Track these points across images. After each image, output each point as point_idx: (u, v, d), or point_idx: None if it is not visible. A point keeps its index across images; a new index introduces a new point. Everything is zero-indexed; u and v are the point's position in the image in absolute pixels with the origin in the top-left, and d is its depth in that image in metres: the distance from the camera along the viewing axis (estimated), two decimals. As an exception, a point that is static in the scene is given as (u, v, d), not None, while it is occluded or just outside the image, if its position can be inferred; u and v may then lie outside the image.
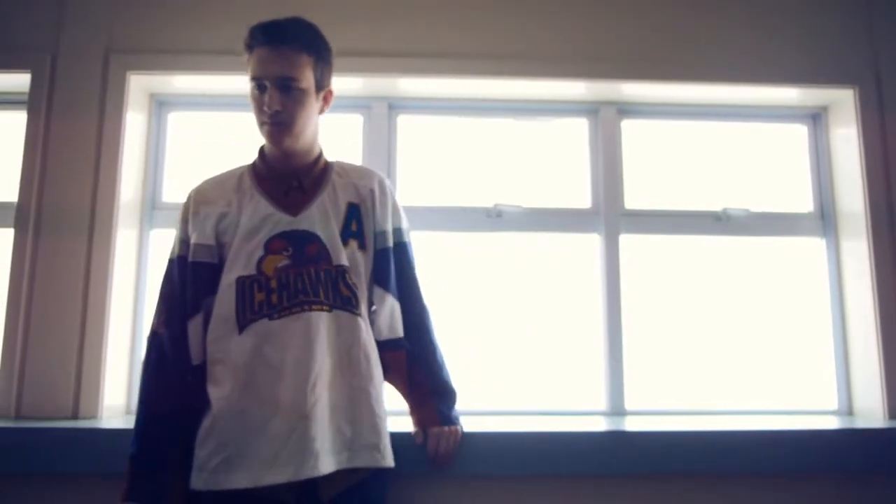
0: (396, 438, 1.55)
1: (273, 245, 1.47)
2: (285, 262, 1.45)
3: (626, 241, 2.23)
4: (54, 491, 1.76)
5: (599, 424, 1.92)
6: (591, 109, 2.30)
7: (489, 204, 2.21)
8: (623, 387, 2.13)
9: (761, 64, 2.19)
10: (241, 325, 1.41)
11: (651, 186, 2.29)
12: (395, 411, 1.74)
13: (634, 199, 2.27)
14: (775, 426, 1.83)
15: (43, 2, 2.12)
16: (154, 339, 1.48)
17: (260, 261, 1.45)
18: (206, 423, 1.39)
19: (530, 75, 2.15)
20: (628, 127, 2.32)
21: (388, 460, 1.45)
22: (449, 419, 1.59)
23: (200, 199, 1.53)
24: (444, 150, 2.28)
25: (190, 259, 1.48)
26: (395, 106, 2.27)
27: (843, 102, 2.25)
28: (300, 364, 1.38)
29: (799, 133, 2.37)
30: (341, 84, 2.16)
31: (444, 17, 2.17)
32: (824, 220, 2.29)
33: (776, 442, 1.74)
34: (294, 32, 1.46)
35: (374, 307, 1.55)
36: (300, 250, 1.47)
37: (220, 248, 1.48)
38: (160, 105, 2.26)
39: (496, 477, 1.73)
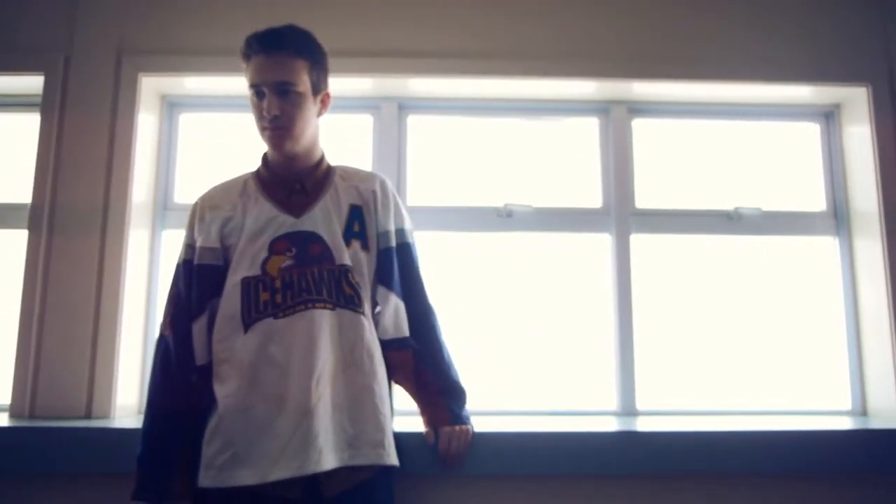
0: (405, 438, 1.56)
1: (277, 246, 1.49)
2: (289, 262, 1.48)
3: (637, 240, 2.22)
4: (68, 490, 1.77)
5: (610, 425, 1.91)
6: (601, 109, 2.30)
7: (499, 204, 2.21)
8: (634, 387, 2.12)
9: (773, 62, 2.18)
10: (247, 324, 1.43)
11: (662, 186, 2.28)
12: (404, 411, 1.75)
13: (645, 198, 2.26)
14: (788, 426, 1.82)
15: (55, 5, 2.14)
16: (160, 342, 1.52)
17: (264, 262, 1.48)
18: (213, 421, 1.41)
19: (540, 75, 2.15)
20: (639, 126, 2.31)
21: (392, 458, 1.45)
22: (460, 418, 1.59)
23: (206, 204, 1.57)
24: (454, 150, 2.28)
25: (195, 262, 1.52)
26: (405, 106, 2.27)
27: (856, 100, 2.23)
28: (304, 361, 1.40)
29: (811, 131, 2.35)
30: (351, 85, 2.17)
31: (454, 18, 2.17)
32: (837, 218, 2.27)
33: (789, 442, 1.73)
34: (288, 39, 1.49)
35: (378, 307, 1.55)
36: (304, 250, 1.49)
37: (224, 251, 1.51)
38: (171, 106, 2.27)
39: (507, 477, 1.73)
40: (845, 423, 1.93)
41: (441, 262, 2.19)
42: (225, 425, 1.39)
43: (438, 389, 1.57)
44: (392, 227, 1.60)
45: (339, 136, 2.25)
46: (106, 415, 1.94)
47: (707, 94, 2.24)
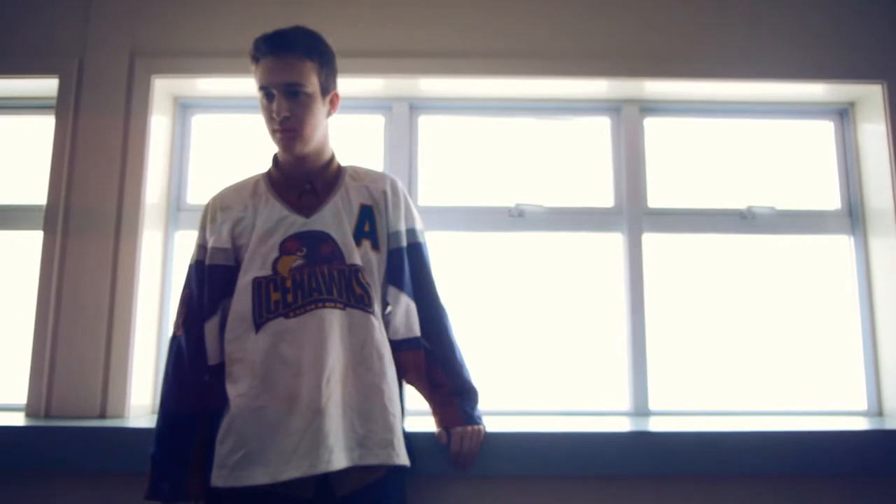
0: (417, 438, 1.56)
1: (287, 246, 1.50)
2: (300, 261, 1.48)
3: (650, 240, 2.21)
4: (83, 489, 1.79)
5: (623, 425, 1.90)
6: (613, 108, 2.29)
7: (511, 203, 2.21)
8: (647, 387, 2.11)
9: (786, 59, 2.16)
10: (258, 324, 1.44)
11: (674, 185, 2.27)
12: (416, 411, 1.75)
13: (657, 197, 2.25)
14: (803, 427, 1.81)
15: (69, 9, 2.16)
16: (173, 342, 1.53)
17: (275, 262, 1.48)
18: (226, 420, 1.41)
19: (551, 74, 2.14)
20: (651, 125, 2.30)
21: (403, 458, 1.45)
22: (472, 418, 1.59)
23: (217, 205, 1.59)
24: (466, 150, 2.28)
25: (207, 263, 1.53)
26: (417, 106, 2.27)
27: (870, 98, 2.21)
28: (315, 360, 1.40)
29: (825, 129, 2.33)
30: (362, 85, 2.17)
31: (465, 18, 2.16)
32: (852, 217, 2.25)
33: (804, 443, 1.72)
34: (297, 40, 1.49)
35: (389, 307, 1.55)
36: (314, 250, 1.50)
37: (235, 251, 1.52)
38: (184, 108, 2.29)
39: (519, 477, 1.73)
40: (861, 424, 1.91)
41: (452, 263, 2.19)
42: (237, 425, 1.39)
43: (450, 389, 1.57)
44: (403, 228, 1.61)
45: (350, 136, 2.25)
46: (120, 414, 1.96)
47: (719, 92, 2.23)
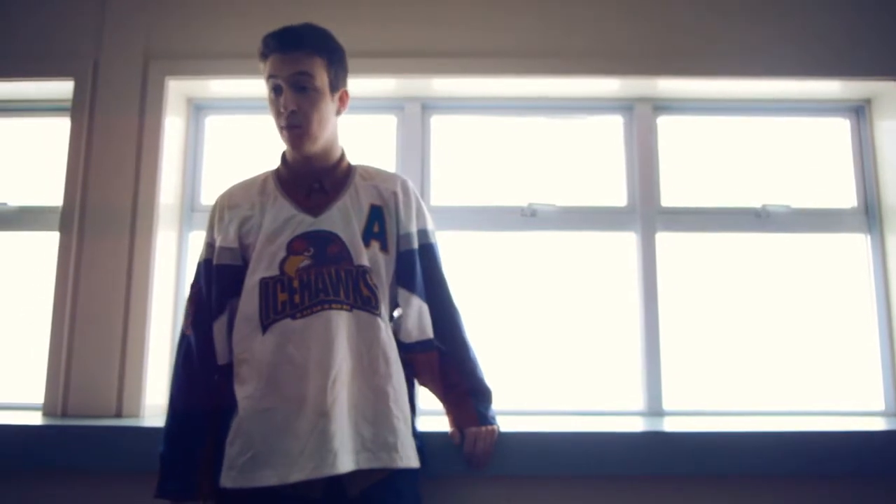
0: (430, 437, 1.56)
1: (295, 246, 1.48)
2: (307, 262, 1.47)
3: (663, 239, 2.20)
4: (99, 487, 1.80)
5: (637, 425, 1.90)
6: (625, 106, 2.28)
7: (523, 203, 2.20)
8: (661, 387, 2.10)
9: (802, 56, 2.14)
10: (265, 325, 1.43)
11: (688, 183, 2.26)
12: (430, 411, 1.75)
13: (671, 196, 2.23)
14: (820, 427, 1.79)
15: (84, 12, 2.17)
16: (182, 341, 1.53)
17: (282, 262, 1.47)
18: (235, 422, 1.41)
19: (564, 73, 2.14)
20: (664, 123, 2.29)
21: (406, 461, 1.43)
22: (486, 418, 1.58)
23: (225, 203, 1.58)
24: (478, 150, 2.28)
25: (214, 262, 1.52)
26: (429, 106, 2.27)
27: (887, 94, 2.19)
28: (321, 362, 1.39)
29: (841, 127, 2.31)
30: (374, 85, 2.17)
31: (477, 17, 2.16)
32: (868, 215, 2.23)
33: (821, 444, 1.70)
34: (305, 36, 1.49)
35: (398, 310, 1.55)
36: (321, 250, 1.48)
37: (243, 251, 1.51)
38: (197, 109, 2.30)
39: (532, 477, 1.72)
40: (878, 424, 1.89)
41: (465, 262, 2.19)
42: (245, 426, 1.39)
43: (464, 390, 1.57)
44: (414, 229, 1.59)
45: (362, 137, 2.26)
46: (135, 414, 1.97)
47: (733, 90, 2.22)
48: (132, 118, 2.11)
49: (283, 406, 1.38)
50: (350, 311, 1.45)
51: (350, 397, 1.41)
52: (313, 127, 1.49)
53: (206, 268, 1.54)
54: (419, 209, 1.63)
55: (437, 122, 2.28)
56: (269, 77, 1.49)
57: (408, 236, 1.57)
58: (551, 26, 2.16)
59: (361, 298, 1.47)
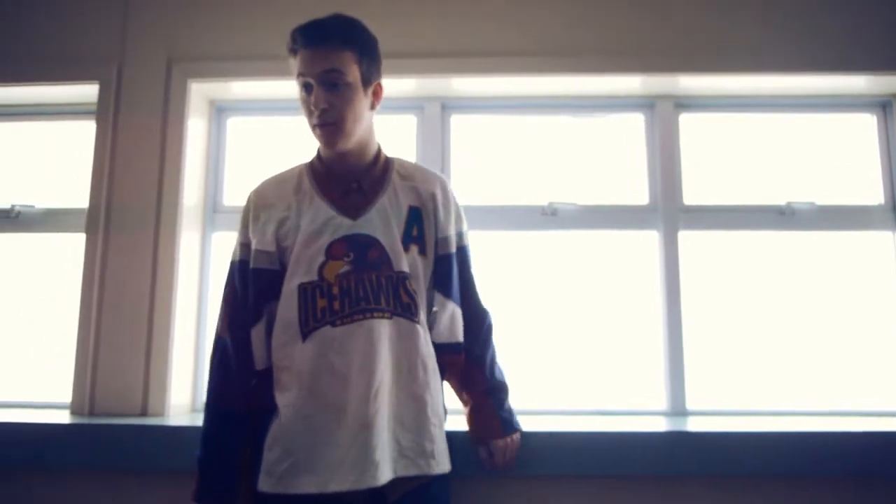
0: (458, 438, 1.56)
1: (334, 250, 1.44)
2: (346, 267, 1.43)
3: (686, 237, 2.18)
4: (126, 485, 1.83)
5: (660, 425, 1.88)
6: (647, 104, 2.26)
7: (544, 202, 2.19)
8: (684, 386, 2.08)
9: (826, 51, 2.11)
10: (305, 332, 1.41)
11: (711, 181, 2.23)
12: (457, 410, 1.75)
13: (694, 194, 2.21)
14: (845, 428, 1.77)
15: (108, 17, 2.20)
16: (218, 343, 1.50)
17: (321, 266, 1.43)
18: (274, 427, 1.41)
19: (584, 71, 2.13)
20: (686, 121, 2.26)
21: (441, 466, 1.44)
22: (510, 425, 1.58)
23: (260, 202, 1.52)
24: (498, 149, 2.28)
25: (251, 265, 1.48)
26: (449, 106, 2.27)
27: (915, 89, 2.15)
28: (363, 372, 1.37)
29: (867, 122, 2.27)
30: (394, 85, 2.17)
31: (497, 16, 2.16)
32: (895, 212, 2.19)
33: (846, 444, 1.68)
34: (334, 29, 1.43)
35: (434, 310, 1.52)
36: (361, 255, 1.44)
37: (280, 254, 1.47)
38: (219, 111, 2.32)
39: (554, 477, 1.72)
40: (907, 425, 1.86)
41: (485, 262, 2.18)
42: (285, 433, 1.38)
43: (485, 390, 1.56)
44: (452, 232, 1.55)
45: (382, 137, 2.26)
46: (160, 413, 2.00)
47: (756, 86, 2.19)
48: (156, 120, 2.13)
49: (324, 415, 1.37)
50: (391, 318, 1.42)
51: (390, 407, 1.40)
52: (347, 124, 1.44)
53: (242, 269, 1.50)
54: (457, 210, 1.59)
55: (457, 121, 2.28)
56: (299, 75, 1.44)
57: (446, 240, 1.54)
58: (571, 24, 2.15)
59: (401, 305, 1.44)
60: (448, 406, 1.57)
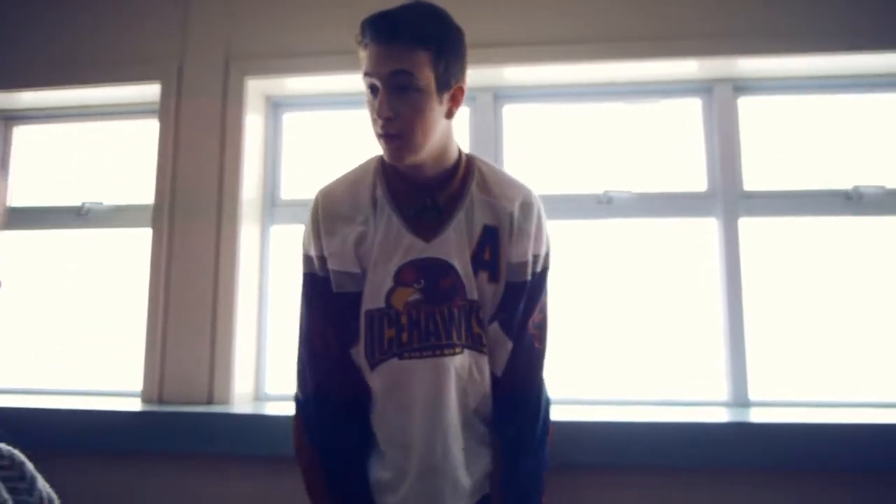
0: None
1: (403, 276, 1.31)
2: (416, 295, 1.31)
3: (746, 224, 2.12)
4: (191, 469, 1.91)
5: (721, 415, 1.85)
6: (704, 88, 2.21)
7: (599, 190, 2.17)
8: (746, 377, 2.04)
9: (891, 28, 2.01)
10: (372, 364, 1.33)
11: (772, 165, 2.17)
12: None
13: (754, 179, 2.15)
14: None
15: (168, 19, 2.27)
16: (309, 368, 1.37)
17: (389, 293, 1.31)
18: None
19: (638, 57, 2.09)
20: (745, 104, 2.20)
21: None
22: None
23: (334, 213, 1.36)
24: (552, 138, 2.26)
25: (334, 289, 1.35)
26: (501, 95, 2.26)
27: None
28: (429, 414, 1.31)
29: (941, 101, 2.17)
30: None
31: (548, 3, 2.13)
32: (973, 195, 2.09)
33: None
34: (406, 24, 1.23)
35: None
36: (433, 283, 1.31)
37: (363, 274, 1.34)
38: (275, 107, 2.37)
39: (614, 466, 1.71)
40: None
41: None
42: (372, 461, 1.38)
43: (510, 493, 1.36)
44: (529, 258, 1.35)
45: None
46: (225, 401, 2.06)
47: (818, 66, 2.11)
48: (215, 118, 2.19)
49: (393, 452, 1.34)
50: (462, 352, 1.32)
51: (456, 448, 1.33)
52: (416, 137, 1.26)
53: (319, 286, 1.35)
54: (538, 231, 1.37)
55: (509, 111, 2.27)
56: (365, 74, 1.27)
57: (520, 267, 1.35)
58: (624, 9, 2.11)
59: (472, 337, 1.33)
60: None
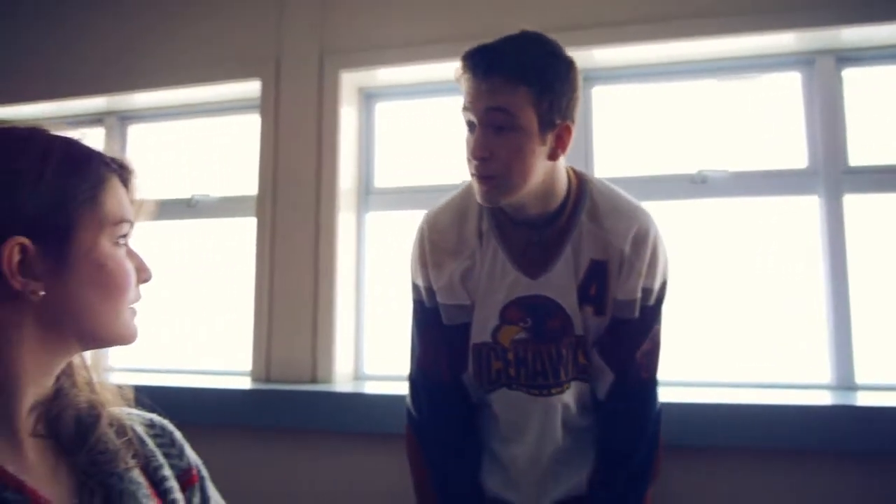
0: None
1: (509, 314, 1.29)
2: (522, 334, 1.29)
3: (851, 201, 2.03)
4: (297, 443, 2.04)
5: (824, 398, 1.80)
6: (804, 61, 2.12)
7: (693, 170, 2.13)
8: (852, 359, 1.96)
9: None
10: (485, 389, 1.36)
11: (880, 139, 2.06)
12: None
13: (860, 154, 2.06)
14: None
15: (264, 19, 2.37)
16: (430, 389, 1.38)
17: (495, 330, 1.30)
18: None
19: (732, 31, 2.03)
20: (850, 76, 2.10)
21: None
22: None
23: (441, 246, 1.33)
24: (643, 118, 2.23)
25: (444, 322, 1.34)
26: (590, 77, 2.25)
27: None
28: (534, 455, 1.36)
29: None
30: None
31: (638, -19, 2.11)
32: None
33: None
34: (506, 56, 1.15)
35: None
36: (540, 323, 1.28)
37: (473, 305, 1.32)
38: (367, 97, 2.44)
39: (714, 448, 1.70)
40: None
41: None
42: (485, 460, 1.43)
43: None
44: (637, 295, 1.28)
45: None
46: (328, 380, 2.16)
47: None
48: (312, 111, 2.29)
49: (494, 477, 1.39)
50: (569, 387, 1.32)
51: (557, 486, 1.38)
52: (512, 179, 1.17)
53: (434, 315, 1.35)
54: (651, 266, 1.29)
55: (598, 92, 2.26)
56: (463, 109, 1.20)
57: (627, 304, 1.28)
58: (718, -17, 2.06)
59: (578, 368, 1.32)
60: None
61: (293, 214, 2.25)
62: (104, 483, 0.74)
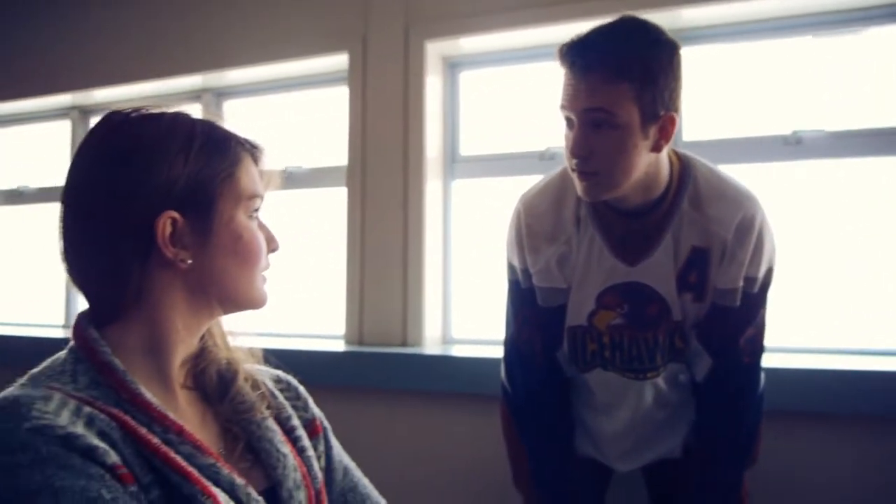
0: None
1: (606, 300, 1.29)
2: (619, 320, 1.30)
3: (961, 160, 1.93)
4: (388, 402, 2.15)
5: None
6: (910, 12, 2.01)
7: (787, 130, 2.06)
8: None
9: None
10: (581, 369, 1.39)
11: None
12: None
13: (972, 110, 1.94)
14: None
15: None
16: (525, 367, 1.41)
17: (591, 314, 1.31)
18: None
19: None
20: (963, 26, 1.98)
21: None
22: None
23: (537, 230, 1.32)
24: (733, 78, 2.17)
25: (540, 304, 1.36)
26: (678, 37, 2.19)
27: None
28: (630, 421, 1.40)
29: None
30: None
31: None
32: None
33: None
34: (604, 54, 1.11)
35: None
36: (638, 310, 1.28)
37: (569, 287, 1.33)
38: (452, 67, 2.47)
39: (820, 413, 1.70)
40: None
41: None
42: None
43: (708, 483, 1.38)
44: (739, 284, 1.26)
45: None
46: (418, 343, 2.25)
47: None
48: (398, 81, 2.34)
49: (585, 445, 1.46)
50: (665, 369, 1.34)
51: (652, 449, 1.45)
52: (614, 176, 1.16)
53: (528, 300, 1.36)
54: (756, 254, 1.26)
55: (686, 53, 2.19)
56: (560, 106, 1.18)
57: (727, 293, 1.26)
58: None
59: (674, 352, 1.32)
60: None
61: (382, 183, 2.33)
62: (245, 429, 0.83)
